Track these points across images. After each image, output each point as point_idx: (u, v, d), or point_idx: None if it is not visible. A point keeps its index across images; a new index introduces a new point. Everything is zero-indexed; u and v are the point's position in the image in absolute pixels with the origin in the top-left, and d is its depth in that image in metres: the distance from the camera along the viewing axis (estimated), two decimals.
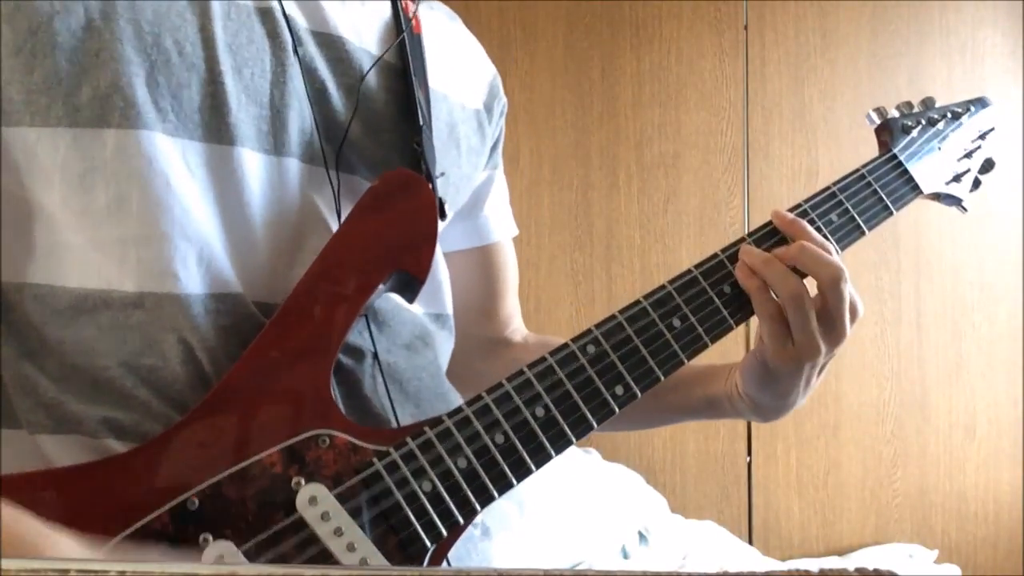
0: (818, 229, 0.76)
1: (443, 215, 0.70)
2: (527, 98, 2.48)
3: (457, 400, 0.77)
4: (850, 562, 2.32)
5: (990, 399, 2.51)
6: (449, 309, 0.79)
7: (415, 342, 0.72)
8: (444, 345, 0.78)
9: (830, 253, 0.73)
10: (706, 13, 2.52)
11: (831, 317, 0.72)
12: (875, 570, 0.35)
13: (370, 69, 0.70)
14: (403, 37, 0.73)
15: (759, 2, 2.52)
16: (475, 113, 0.83)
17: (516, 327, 0.96)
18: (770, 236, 0.76)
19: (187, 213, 0.61)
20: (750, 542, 2.44)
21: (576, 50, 2.51)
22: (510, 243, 0.94)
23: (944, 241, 2.50)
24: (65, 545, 0.49)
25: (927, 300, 2.51)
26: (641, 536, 2.12)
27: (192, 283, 0.61)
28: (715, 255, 0.74)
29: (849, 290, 0.72)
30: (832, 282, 0.71)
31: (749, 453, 2.50)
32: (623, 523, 2.08)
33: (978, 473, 2.51)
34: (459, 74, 0.82)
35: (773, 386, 0.76)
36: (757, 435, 2.50)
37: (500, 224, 0.92)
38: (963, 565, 2.35)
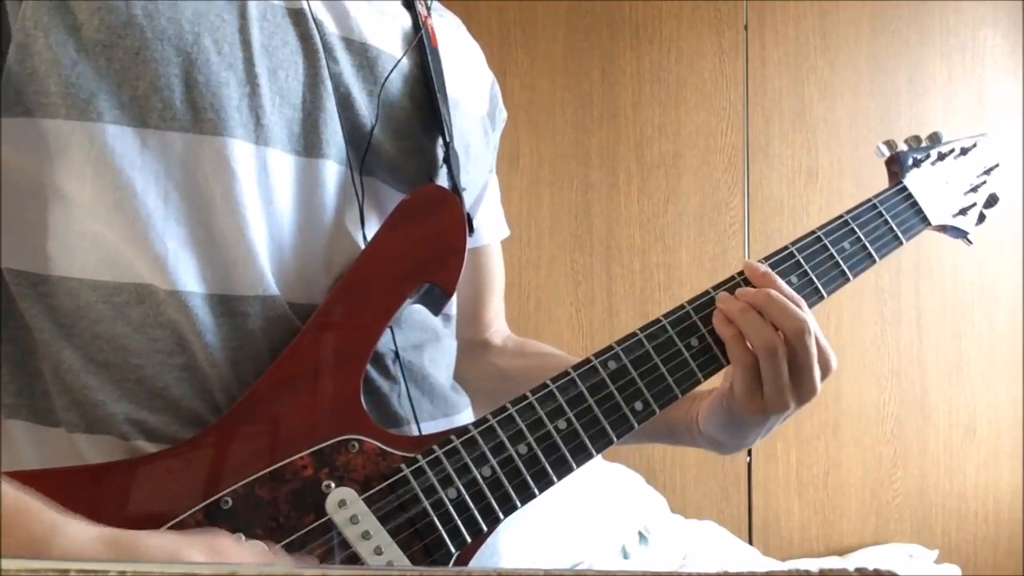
0: (831, 256, 0.78)
1: (471, 230, 0.71)
2: (527, 98, 2.48)
3: (464, 399, 0.78)
4: (850, 562, 2.32)
5: (990, 399, 2.51)
6: (455, 310, 0.79)
7: (426, 342, 0.73)
8: (450, 342, 0.79)
9: (799, 306, 0.72)
10: (706, 13, 2.52)
11: (800, 370, 0.71)
12: (875, 570, 0.35)
13: (390, 72, 0.70)
14: (424, 46, 0.74)
15: (759, 2, 2.52)
16: (481, 120, 0.84)
17: (497, 328, 0.96)
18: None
19: (226, 213, 0.61)
20: (750, 542, 2.45)
21: (576, 50, 2.51)
22: (498, 246, 0.94)
23: (944, 241, 2.49)
24: (73, 531, 0.49)
25: (927, 300, 2.51)
26: (641, 536, 2.12)
27: (227, 283, 0.61)
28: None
29: (817, 344, 0.71)
30: (797, 334, 0.70)
31: (749, 453, 2.50)
32: (623, 523, 2.08)
33: (978, 473, 2.52)
34: (468, 82, 0.83)
35: (734, 430, 0.77)
36: None
37: (490, 227, 0.92)
38: (963, 565, 2.36)
